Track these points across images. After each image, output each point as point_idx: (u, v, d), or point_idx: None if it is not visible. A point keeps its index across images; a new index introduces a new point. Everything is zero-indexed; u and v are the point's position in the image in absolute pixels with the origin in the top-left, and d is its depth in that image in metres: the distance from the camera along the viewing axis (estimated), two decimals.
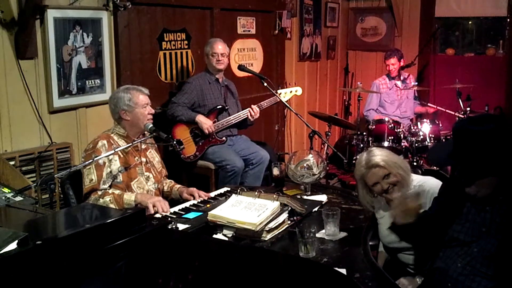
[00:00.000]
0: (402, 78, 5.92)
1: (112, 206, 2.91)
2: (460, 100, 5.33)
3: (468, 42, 6.96)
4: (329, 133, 5.06)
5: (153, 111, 3.21)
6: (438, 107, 5.79)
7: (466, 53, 6.84)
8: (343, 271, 2.15)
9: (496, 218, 2.09)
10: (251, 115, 4.39)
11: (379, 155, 2.55)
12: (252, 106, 4.41)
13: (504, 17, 6.34)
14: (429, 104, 6.07)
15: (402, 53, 5.90)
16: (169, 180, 3.41)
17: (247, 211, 2.62)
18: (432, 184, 2.54)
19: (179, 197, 3.28)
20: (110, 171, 3.02)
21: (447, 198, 2.27)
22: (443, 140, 5.06)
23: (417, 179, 2.61)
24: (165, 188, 3.34)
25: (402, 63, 5.86)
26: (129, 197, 2.96)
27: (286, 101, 4.52)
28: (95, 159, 2.85)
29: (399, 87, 5.83)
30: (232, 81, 4.71)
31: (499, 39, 6.57)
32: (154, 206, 2.87)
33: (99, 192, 2.95)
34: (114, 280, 1.68)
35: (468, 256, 2.14)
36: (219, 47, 4.36)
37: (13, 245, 1.49)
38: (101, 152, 2.94)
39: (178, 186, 3.33)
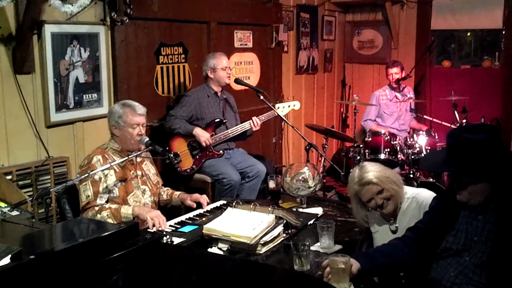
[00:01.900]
0: (401, 89, 5.94)
1: (110, 220, 2.91)
2: (456, 112, 5.35)
3: (464, 54, 7.00)
4: (326, 146, 5.07)
5: (143, 132, 3.13)
6: (434, 119, 5.81)
7: (462, 65, 6.87)
8: None
9: (488, 226, 2.12)
10: (254, 125, 4.39)
11: (371, 171, 2.56)
12: (253, 118, 4.41)
13: (500, 29, 6.38)
14: (425, 117, 6.09)
15: (403, 65, 5.93)
16: (166, 188, 3.40)
17: (242, 225, 2.62)
18: (426, 196, 2.56)
19: (180, 204, 3.29)
20: (106, 186, 3.02)
21: (441, 208, 2.29)
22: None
23: (410, 191, 2.63)
24: (164, 196, 3.34)
25: (403, 75, 5.87)
26: (126, 211, 2.95)
27: (283, 115, 4.52)
28: (91, 173, 2.86)
29: (398, 99, 5.84)
30: (231, 94, 4.74)
31: (495, 51, 6.61)
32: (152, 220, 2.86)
33: (96, 208, 2.95)
34: None
35: (460, 265, 2.16)
36: (226, 60, 4.41)
37: (6, 260, 1.50)
38: (97, 168, 2.94)
39: (178, 193, 3.34)
